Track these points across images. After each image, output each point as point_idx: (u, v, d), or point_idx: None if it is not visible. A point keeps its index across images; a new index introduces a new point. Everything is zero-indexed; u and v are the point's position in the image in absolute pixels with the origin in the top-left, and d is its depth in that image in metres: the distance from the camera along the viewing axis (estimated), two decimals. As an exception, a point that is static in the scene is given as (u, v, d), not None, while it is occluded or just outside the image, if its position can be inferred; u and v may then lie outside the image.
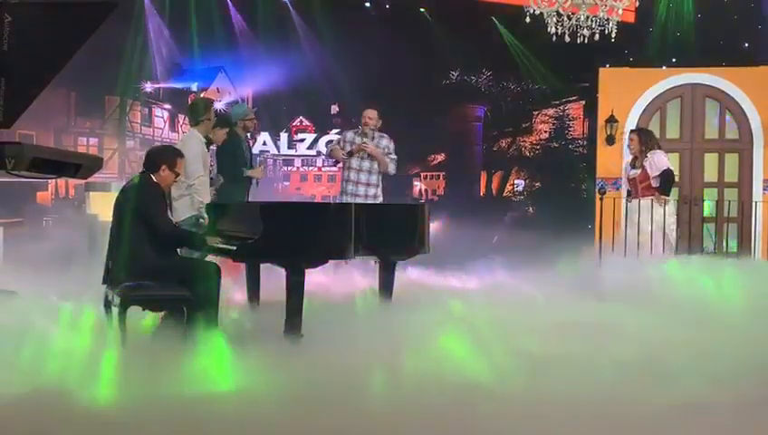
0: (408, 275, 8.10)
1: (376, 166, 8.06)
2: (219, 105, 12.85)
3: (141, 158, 5.87)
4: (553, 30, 8.60)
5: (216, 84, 14.79)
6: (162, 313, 5.43)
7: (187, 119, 14.40)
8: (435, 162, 15.98)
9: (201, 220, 6.61)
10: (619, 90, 10.02)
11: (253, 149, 10.68)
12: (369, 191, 8.05)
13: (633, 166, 8.69)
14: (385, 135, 8.18)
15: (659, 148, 8.64)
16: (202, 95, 14.11)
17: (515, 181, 15.63)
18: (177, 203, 6.72)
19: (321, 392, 3.99)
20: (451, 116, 15.58)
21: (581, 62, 11.03)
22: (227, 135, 7.66)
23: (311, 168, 14.93)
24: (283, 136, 15.05)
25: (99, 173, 8.65)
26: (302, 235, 5.33)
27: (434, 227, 8.33)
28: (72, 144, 13.02)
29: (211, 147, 7.31)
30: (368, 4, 14.50)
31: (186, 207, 6.70)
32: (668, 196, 8.44)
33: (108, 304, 5.33)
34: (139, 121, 14.35)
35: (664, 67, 11.02)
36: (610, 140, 9.93)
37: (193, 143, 6.73)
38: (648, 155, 8.47)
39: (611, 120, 9.90)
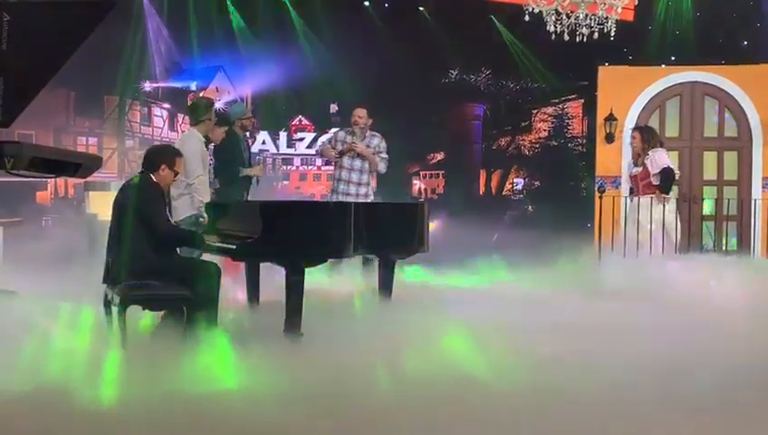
0: (408, 273, 8.10)
1: (367, 165, 8.04)
2: (218, 104, 12.83)
3: (140, 157, 5.86)
4: (552, 28, 8.59)
5: (216, 83, 14.79)
6: (162, 312, 5.43)
7: (186, 118, 14.47)
8: (434, 161, 15.97)
9: (201, 220, 6.61)
10: (619, 88, 10.01)
11: (252, 148, 10.68)
12: (360, 190, 8.03)
13: (636, 164, 8.70)
14: (377, 134, 8.15)
15: (662, 146, 8.64)
16: (201, 94, 14.11)
17: (515, 180, 15.63)
18: (176, 202, 6.72)
19: (321, 391, 3.99)
20: (450, 115, 15.58)
21: (581, 60, 11.02)
22: (225, 134, 7.66)
23: (310, 167, 14.94)
24: (283, 135, 15.05)
25: (98, 172, 8.66)
26: (301, 234, 5.33)
27: (433, 225, 8.33)
28: (71, 143, 13.02)
29: (209, 146, 7.31)
30: (367, 3, 14.49)
31: (185, 206, 6.70)
32: (669, 194, 8.43)
33: (108, 304, 5.33)
34: (138, 121, 14.35)
35: (663, 65, 11.01)
36: (610, 138, 9.92)
37: (193, 142, 6.74)
38: (649, 153, 8.47)
39: (610, 118, 9.90)
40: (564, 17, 8.51)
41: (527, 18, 8.72)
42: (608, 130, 9.93)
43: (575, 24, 8.53)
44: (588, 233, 10.00)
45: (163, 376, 4.12)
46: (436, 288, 7.69)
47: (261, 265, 6.39)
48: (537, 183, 15.35)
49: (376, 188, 8.74)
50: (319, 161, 14.78)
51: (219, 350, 4.57)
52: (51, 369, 4.23)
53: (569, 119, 15.26)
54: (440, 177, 15.90)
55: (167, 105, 14.76)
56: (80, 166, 5.78)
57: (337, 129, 8.35)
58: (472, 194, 15.40)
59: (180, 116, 14.78)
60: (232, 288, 6.72)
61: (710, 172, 9.95)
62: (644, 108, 9.96)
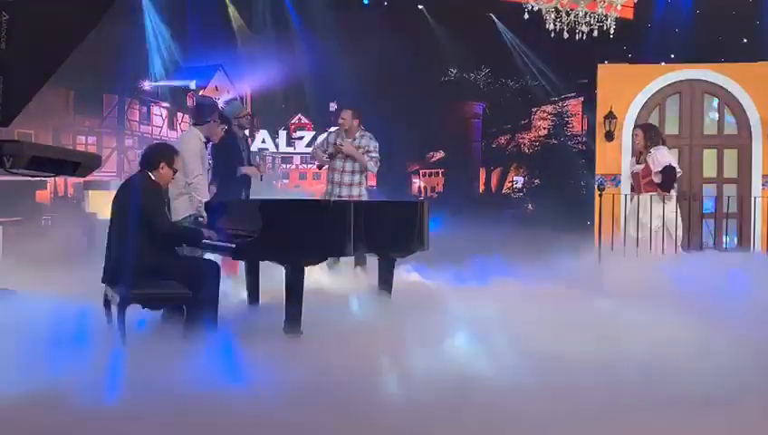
0: (408, 272, 8.09)
1: (358, 166, 8.05)
2: (218, 103, 12.83)
3: (140, 156, 5.86)
4: (552, 26, 8.58)
5: (215, 82, 14.79)
6: (161, 311, 5.43)
7: (185, 117, 14.47)
8: (434, 159, 15.98)
9: (200, 219, 6.60)
10: (618, 86, 10.00)
11: (252, 147, 10.67)
12: (352, 191, 8.04)
13: (638, 161, 8.69)
14: (366, 134, 8.15)
15: (664, 144, 8.63)
16: (201, 93, 14.11)
17: (514, 178, 15.63)
18: (175, 202, 6.72)
19: (321, 390, 3.99)
20: (450, 113, 15.57)
21: (580, 58, 11.02)
22: (224, 132, 7.65)
23: (310, 165, 14.93)
24: (282, 134, 15.04)
25: (97, 171, 8.67)
26: (301, 232, 5.33)
27: (432, 224, 8.31)
28: (70, 142, 13.02)
29: (208, 145, 7.31)
30: (366, 2, 14.49)
31: (184, 205, 6.70)
32: (670, 192, 8.42)
33: (107, 303, 5.33)
34: (137, 120, 14.35)
35: (663, 63, 10.99)
36: (609, 136, 9.91)
37: (193, 141, 6.76)
38: (651, 150, 8.45)
39: (610, 116, 9.89)
40: (564, 15, 8.50)
41: (526, 16, 8.71)
42: (607, 128, 9.92)
43: (575, 21, 8.52)
44: (588, 231, 9.99)
45: (163, 375, 4.11)
46: (436, 287, 7.68)
47: (260, 263, 6.38)
48: (537, 181, 15.36)
49: (376, 187, 8.74)
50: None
51: (219, 349, 4.57)
52: (50, 369, 4.23)
53: (568, 117, 15.26)
54: (440, 175, 15.90)
55: (166, 104, 14.76)
56: (79, 165, 5.78)
57: (330, 129, 8.37)
58: (472, 192, 15.40)
59: (180, 115, 14.78)
60: (231, 287, 6.72)
61: (710, 170, 9.94)
62: (644, 106, 9.95)
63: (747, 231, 9.12)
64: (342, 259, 7.43)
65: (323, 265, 6.80)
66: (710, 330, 5.39)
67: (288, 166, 15.23)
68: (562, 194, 14.11)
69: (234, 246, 5.44)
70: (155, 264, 5.22)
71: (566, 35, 8.52)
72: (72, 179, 12.16)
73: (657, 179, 8.40)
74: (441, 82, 15.08)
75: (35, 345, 4.53)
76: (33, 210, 11.67)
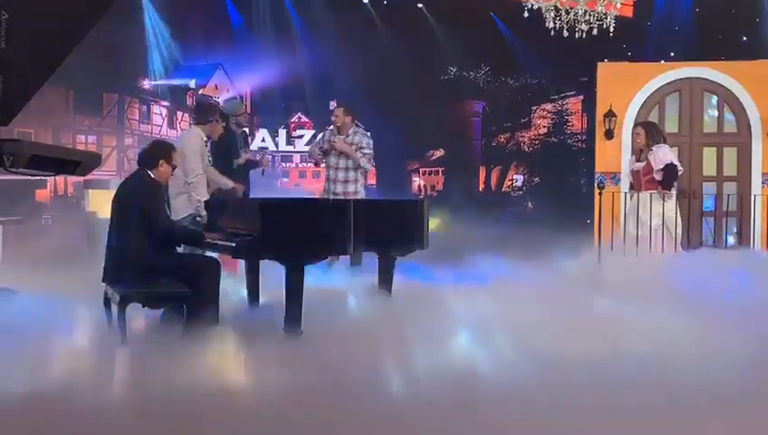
0: (407, 270, 8.09)
1: (352, 163, 8.06)
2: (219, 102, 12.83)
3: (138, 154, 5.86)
4: (551, 25, 8.59)
5: (215, 81, 14.79)
6: (162, 310, 5.43)
7: (185, 115, 14.48)
8: (434, 158, 15.99)
9: (199, 218, 6.61)
10: (618, 84, 10.00)
11: (252, 146, 10.67)
12: (347, 188, 8.04)
13: (638, 159, 8.68)
14: (360, 130, 8.16)
15: (665, 141, 8.63)
16: (201, 92, 14.12)
17: (514, 176, 15.64)
18: (175, 201, 6.74)
19: (322, 390, 3.98)
20: (450, 112, 15.59)
21: (580, 56, 11.03)
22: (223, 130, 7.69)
23: (309, 164, 14.93)
24: (282, 132, 15.05)
25: (97, 170, 8.66)
26: (301, 231, 5.33)
27: (432, 222, 8.31)
28: (70, 141, 13.02)
29: (207, 143, 7.33)
30: (366, 1, 14.48)
31: (184, 204, 6.71)
32: (670, 190, 8.41)
33: (107, 302, 5.33)
34: (137, 118, 14.36)
35: (662, 61, 11.00)
36: (609, 134, 9.91)
37: (195, 140, 6.85)
38: (653, 148, 8.44)
39: (610, 114, 9.89)
40: (563, 13, 8.51)
41: (526, 15, 8.72)
42: (607, 127, 9.92)
43: (574, 20, 8.53)
44: (587, 229, 10.00)
45: (163, 374, 4.11)
46: (436, 286, 7.67)
47: (261, 263, 6.38)
48: (537, 179, 15.36)
49: (376, 185, 8.75)
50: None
51: (219, 347, 4.57)
52: (50, 368, 4.23)
53: (568, 115, 15.27)
54: (440, 174, 15.91)
55: (166, 103, 14.76)
56: (79, 164, 5.77)
57: (329, 127, 8.37)
58: (471, 191, 15.40)
59: (179, 114, 14.78)
60: (231, 286, 6.71)
61: (709, 168, 9.95)
62: (643, 104, 9.95)
63: (747, 229, 9.13)
64: (340, 259, 7.43)
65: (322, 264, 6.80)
66: (710, 329, 5.38)
67: (288, 164, 15.23)
68: (562, 192, 14.12)
69: (234, 244, 5.44)
70: (155, 262, 5.22)
71: (566, 34, 8.53)
72: (71, 178, 12.16)
73: (658, 177, 8.40)
74: (441, 80, 15.09)
75: (35, 345, 4.53)
76: (32, 209, 11.67)
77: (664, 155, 8.41)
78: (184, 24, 13.68)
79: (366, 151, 8.05)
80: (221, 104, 8.63)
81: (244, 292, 6.55)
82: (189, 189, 6.72)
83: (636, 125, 8.89)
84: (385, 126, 13.06)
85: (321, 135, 8.78)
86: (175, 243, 5.58)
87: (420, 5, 14.36)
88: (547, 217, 12.01)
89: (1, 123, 5.28)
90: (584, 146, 14.26)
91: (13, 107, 5.18)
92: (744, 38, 12.97)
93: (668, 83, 9.98)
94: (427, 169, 15.98)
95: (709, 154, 9.96)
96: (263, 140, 14.76)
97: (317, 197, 8.83)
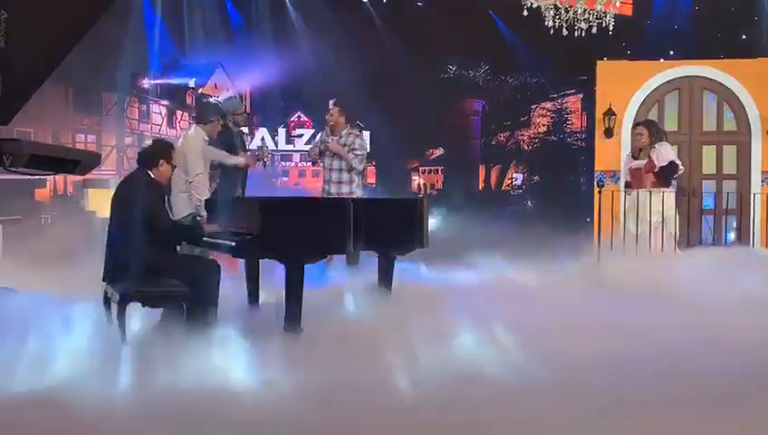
0: (407, 269, 8.08)
1: (345, 164, 8.05)
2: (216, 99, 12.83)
3: (138, 154, 5.86)
4: (551, 23, 8.59)
5: (214, 80, 14.79)
6: (161, 309, 5.43)
7: (184, 115, 14.47)
8: (433, 156, 15.99)
9: (198, 218, 6.61)
10: (617, 83, 10.00)
11: (251, 146, 10.66)
12: (342, 189, 8.03)
13: (636, 157, 8.65)
14: (354, 131, 8.14)
15: (666, 139, 8.62)
16: (200, 91, 14.12)
17: (514, 175, 15.65)
18: (175, 199, 6.75)
19: (322, 389, 3.98)
20: (449, 110, 15.59)
21: (579, 55, 11.03)
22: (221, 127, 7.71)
23: (309, 163, 14.92)
24: (281, 131, 15.04)
25: (97, 170, 8.66)
26: (300, 230, 5.32)
27: (432, 221, 8.31)
28: (69, 141, 13.02)
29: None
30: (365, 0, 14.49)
31: (184, 204, 6.72)
32: (668, 187, 8.40)
33: (107, 301, 5.32)
34: (136, 118, 14.35)
35: (662, 60, 11.00)
36: (609, 132, 9.92)
37: (197, 140, 6.93)
38: (655, 146, 8.43)
39: (609, 113, 9.89)
40: (563, 12, 8.51)
41: (525, 13, 8.71)
42: (607, 125, 9.93)
43: (573, 18, 8.53)
44: (587, 228, 10.00)
45: (163, 374, 4.11)
46: (436, 285, 7.68)
47: (261, 262, 6.38)
48: (536, 178, 15.36)
49: (375, 184, 8.74)
50: (317, 158, 14.76)
51: (219, 347, 4.57)
52: (50, 367, 4.23)
53: (568, 114, 15.27)
54: (439, 172, 15.92)
55: (165, 102, 14.75)
56: (78, 163, 5.76)
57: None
58: (471, 189, 15.41)
59: (179, 113, 14.78)
60: (231, 285, 6.71)
61: (709, 166, 9.95)
62: (643, 102, 9.96)
63: (747, 227, 9.13)
64: (336, 259, 7.42)
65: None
66: (710, 329, 5.39)
67: (288, 163, 15.23)
68: (562, 191, 14.13)
69: (234, 244, 5.44)
70: (155, 262, 5.21)
71: (565, 32, 8.53)
72: (71, 178, 12.17)
73: (658, 173, 8.38)
74: (440, 79, 15.09)
75: (35, 344, 4.52)
76: (32, 209, 11.67)
77: (666, 153, 8.41)
78: (183, 23, 13.65)
79: (358, 153, 8.04)
80: (221, 103, 8.62)
81: (244, 291, 6.55)
82: (190, 189, 6.73)
83: (637, 124, 8.85)
84: (384, 125, 13.07)
85: (319, 135, 8.78)
86: (175, 242, 5.57)
87: (420, 4, 14.37)
88: (547, 216, 12.01)
89: (0, 122, 5.28)
90: (584, 144, 14.26)
91: (12, 106, 5.17)
92: (744, 36, 12.97)
93: (668, 82, 9.99)
94: (427, 168, 15.98)
95: (709, 152, 9.97)
96: (262, 139, 14.75)
97: (317, 196, 8.83)
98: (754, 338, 5.14)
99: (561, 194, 13.86)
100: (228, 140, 7.97)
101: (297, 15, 14.27)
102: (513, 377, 4.20)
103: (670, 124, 9.90)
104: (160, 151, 5.52)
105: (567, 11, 8.48)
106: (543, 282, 7.53)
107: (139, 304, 5.20)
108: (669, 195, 8.36)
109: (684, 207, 9.05)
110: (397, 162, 15.06)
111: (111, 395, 3.85)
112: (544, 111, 15.33)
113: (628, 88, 9.97)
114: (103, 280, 5.37)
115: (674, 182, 8.53)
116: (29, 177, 8.52)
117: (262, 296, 6.40)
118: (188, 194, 6.77)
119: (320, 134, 8.61)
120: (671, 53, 12.27)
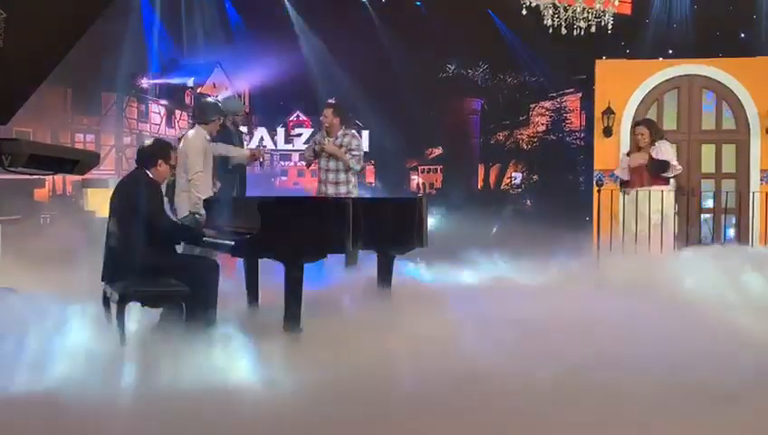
0: (406, 268, 8.09)
1: (342, 165, 8.06)
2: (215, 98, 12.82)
3: (136, 153, 5.85)
4: (550, 22, 8.59)
5: (213, 79, 14.76)
6: (161, 309, 5.43)
7: (183, 114, 14.47)
8: (432, 156, 15.97)
9: (198, 217, 6.61)
10: (616, 82, 10.00)
11: (248, 145, 10.65)
12: (338, 189, 8.04)
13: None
14: (350, 132, 8.16)
15: (665, 138, 8.62)
16: (199, 90, 14.11)
17: (513, 174, 15.63)
18: (178, 199, 6.78)
19: (322, 388, 3.98)
20: (448, 109, 15.56)
21: (578, 54, 11.02)
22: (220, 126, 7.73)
23: (305, 164, 14.91)
24: (280, 131, 15.03)
25: (96, 169, 8.65)
26: (300, 229, 5.32)
27: (431, 220, 8.31)
28: (68, 140, 12.99)
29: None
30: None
31: (185, 203, 6.74)
32: (665, 184, 8.38)
33: (106, 301, 5.32)
34: (135, 117, 14.33)
35: (661, 59, 11.00)
36: (608, 132, 9.92)
37: (199, 140, 7.03)
38: (655, 144, 8.42)
39: (608, 112, 9.89)
40: (561, 11, 8.52)
41: (524, 12, 8.72)
42: (606, 124, 9.92)
43: (572, 17, 8.53)
44: (586, 227, 10.00)
45: (162, 373, 4.11)
46: (435, 284, 7.68)
47: (260, 262, 6.38)
48: (535, 177, 15.35)
49: (374, 183, 8.74)
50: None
51: (218, 347, 4.57)
52: (49, 367, 4.22)
53: (567, 113, 15.25)
54: (438, 171, 15.90)
55: (164, 102, 14.74)
56: (77, 163, 5.74)
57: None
58: (470, 189, 15.39)
59: (178, 112, 14.77)
60: (230, 285, 6.71)
61: (708, 165, 9.95)
62: (642, 101, 9.96)
63: (746, 226, 9.13)
64: (332, 259, 7.42)
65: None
66: (710, 327, 5.39)
67: (287, 163, 15.22)
68: (561, 190, 14.12)
69: (233, 243, 5.44)
70: (154, 262, 5.21)
71: (564, 31, 8.53)
72: (70, 178, 12.14)
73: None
74: (439, 78, 15.07)
75: (34, 344, 4.52)
76: (31, 209, 11.64)
77: (666, 151, 8.41)
78: (182, 23, 13.64)
79: (355, 153, 8.06)
80: (221, 103, 8.64)
81: (244, 291, 6.55)
82: (190, 187, 6.76)
83: (637, 124, 8.82)
84: (383, 124, 13.06)
85: (313, 137, 8.80)
86: (174, 242, 5.57)
87: (418, 3, 14.36)
88: (546, 215, 12.02)
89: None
90: (583, 143, 14.24)
91: (11, 106, 5.16)
92: (743, 35, 12.96)
93: (667, 80, 9.99)
94: (426, 167, 15.96)
95: (708, 151, 9.97)
96: (261, 139, 14.74)
97: (316, 195, 8.83)
98: (754, 337, 5.14)
99: (561, 193, 13.85)
100: (227, 140, 7.98)
101: (296, 14, 14.26)
102: (512, 377, 4.20)
103: (669, 123, 9.90)
104: (159, 151, 5.53)
105: (566, 10, 8.49)
106: (543, 280, 7.54)
107: (139, 304, 5.20)
108: (668, 194, 8.36)
109: (683, 206, 9.04)
110: (396, 161, 15.04)
111: (111, 395, 3.85)
112: (543, 109, 15.31)
113: (627, 87, 9.96)
114: (102, 280, 5.37)
115: (672, 181, 8.52)
116: (28, 176, 8.50)
117: (261, 296, 6.40)
118: (189, 193, 6.79)
119: (314, 136, 8.61)
120: (670, 51, 12.25)
